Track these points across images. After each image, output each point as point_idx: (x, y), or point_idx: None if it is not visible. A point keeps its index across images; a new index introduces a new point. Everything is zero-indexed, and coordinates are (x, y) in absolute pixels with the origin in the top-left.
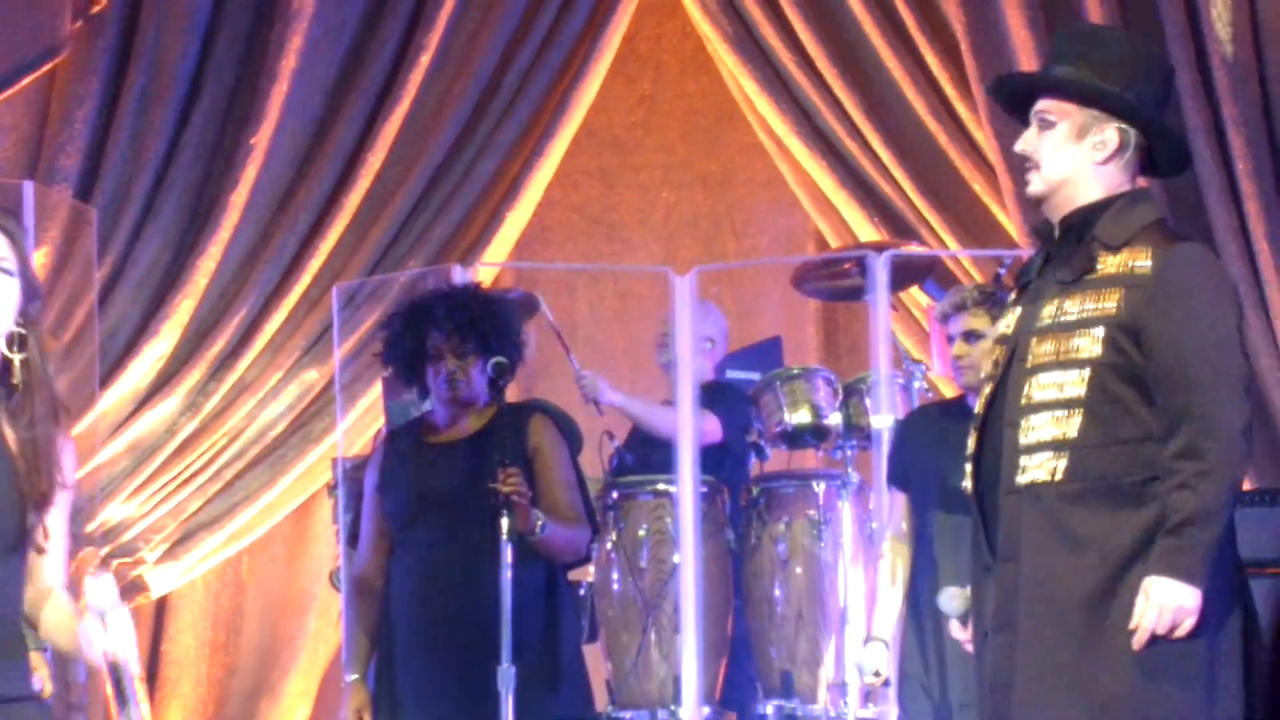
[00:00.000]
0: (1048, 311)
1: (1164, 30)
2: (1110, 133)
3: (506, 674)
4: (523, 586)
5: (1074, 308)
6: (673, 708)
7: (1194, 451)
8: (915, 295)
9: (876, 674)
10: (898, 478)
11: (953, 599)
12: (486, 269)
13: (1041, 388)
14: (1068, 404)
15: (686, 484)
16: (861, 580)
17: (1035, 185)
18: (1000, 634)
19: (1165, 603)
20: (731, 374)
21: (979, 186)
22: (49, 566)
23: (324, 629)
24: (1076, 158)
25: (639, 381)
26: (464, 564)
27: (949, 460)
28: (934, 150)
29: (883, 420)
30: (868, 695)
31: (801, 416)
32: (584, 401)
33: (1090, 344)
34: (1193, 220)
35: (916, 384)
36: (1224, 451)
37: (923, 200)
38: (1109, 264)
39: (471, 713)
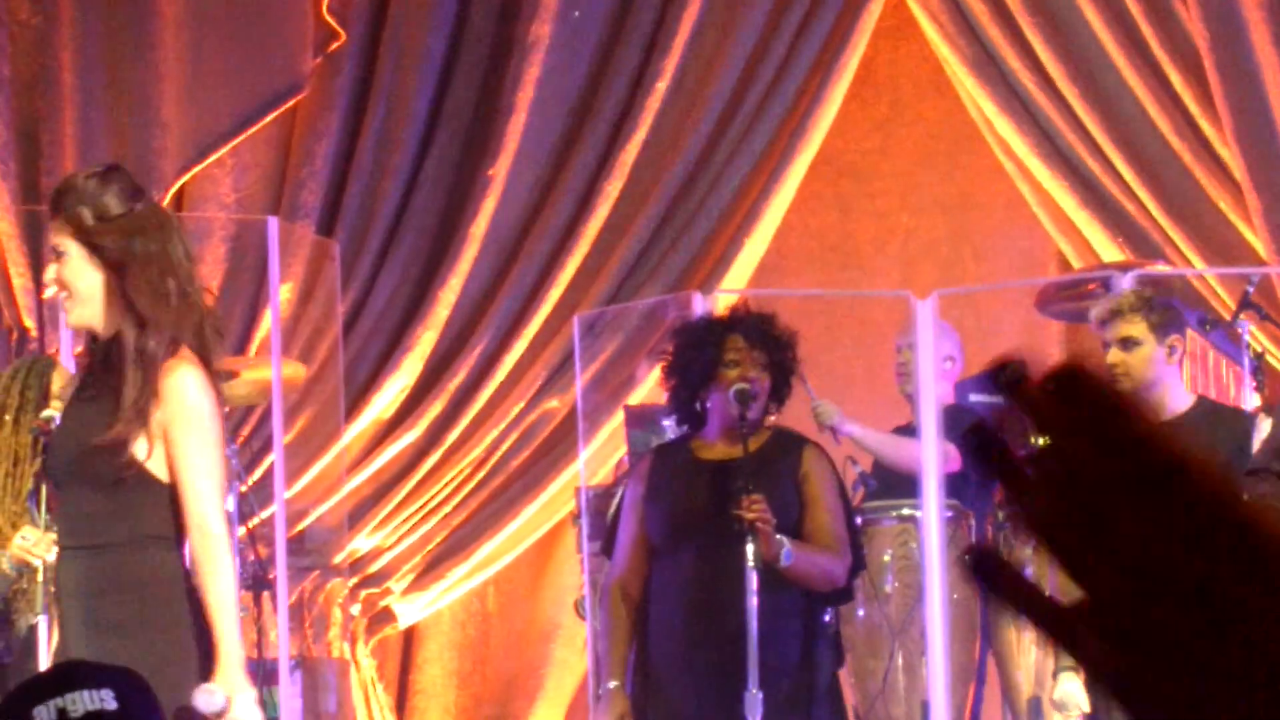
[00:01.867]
0: None
1: None
2: None
3: (754, 700)
4: (777, 613)
5: None
6: None
7: None
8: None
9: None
10: None
11: None
12: (725, 296)
13: None
14: None
15: (932, 509)
16: None
17: None
18: None
19: None
20: (974, 399)
21: (1224, 204)
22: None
23: (569, 658)
24: None
25: (878, 408)
26: (722, 586)
27: None
28: (1178, 168)
29: None
30: None
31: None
32: (819, 430)
33: None
34: None
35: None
36: None
37: (1167, 219)
38: None
39: None
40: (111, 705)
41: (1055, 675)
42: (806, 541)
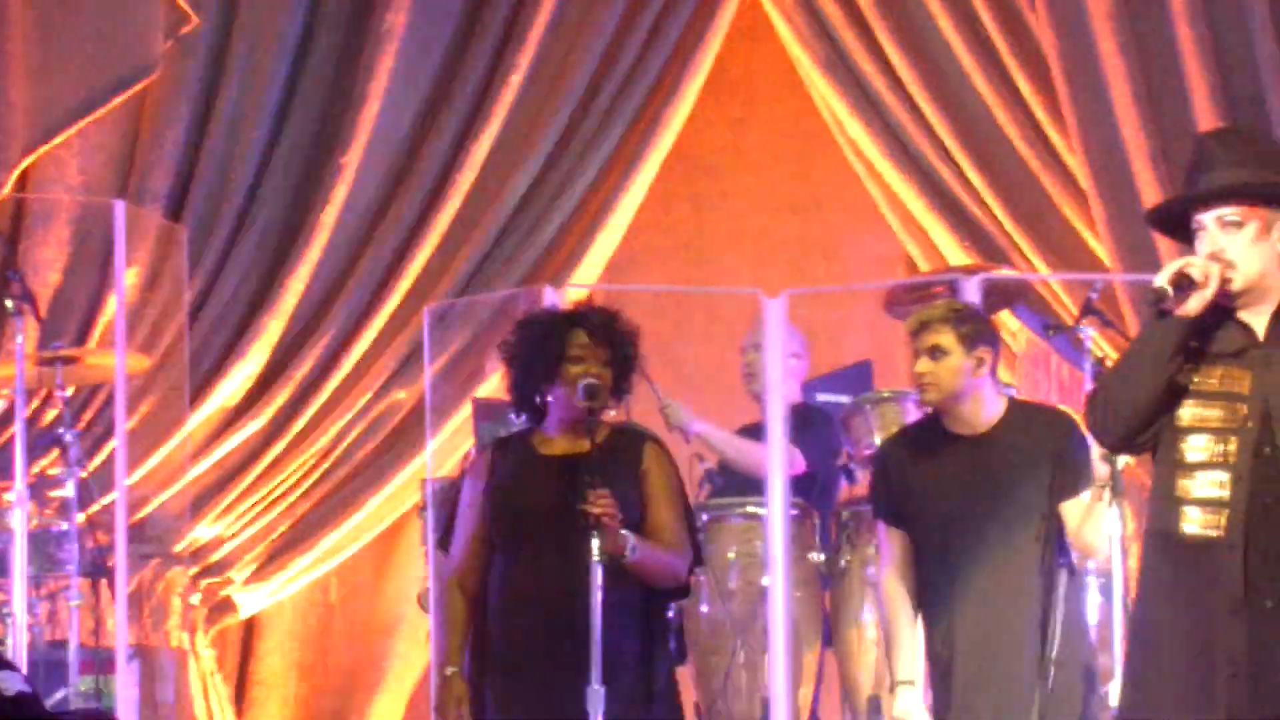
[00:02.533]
0: None
1: (1255, 59)
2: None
3: (596, 695)
4: (619, 608)
5: None
6: None
7: None
8: (1005, 319)
9: None
10: (891, 512)
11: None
12: (576, 290)
13: None
14: None
15: (776, 507)
16: None
17: (1238, 283)
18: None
19: None
20: (822, 397)
21: (1070, 211)
22: None
23: (412, 651)
24: (1268, 253)
25: (728, 404)
26: (566, 581)
27: (947, 485)
28: (1025, 174)
29: None
30: None
31: None
32: (668, 429)
33: None
34: None
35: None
36: None
37: (1013, 224)
38: None
39: None
40: (28, 688)
41: (893, 690)
42: (648, 537)
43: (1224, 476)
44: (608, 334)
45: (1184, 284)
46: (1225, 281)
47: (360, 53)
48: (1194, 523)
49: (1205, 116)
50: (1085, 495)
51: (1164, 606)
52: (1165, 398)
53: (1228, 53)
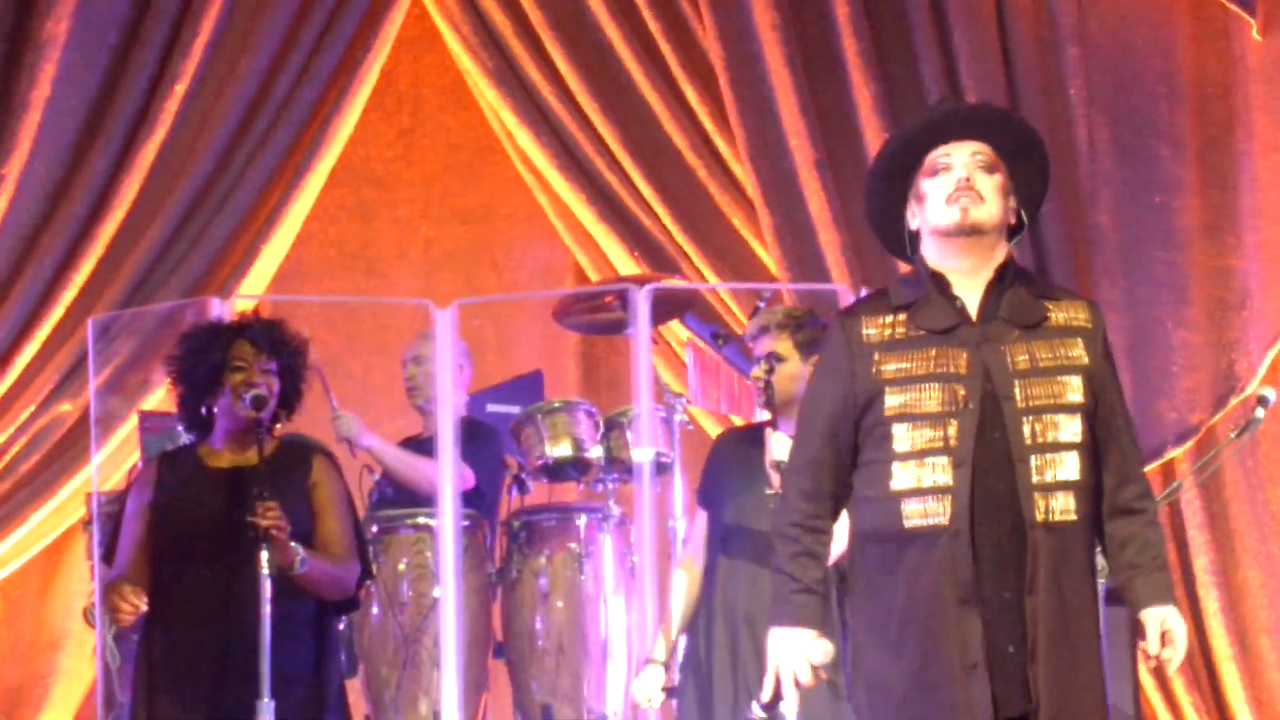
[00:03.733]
0: (1021, 357)
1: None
2: (1011, 203)
3: (266, 707)
4: (290, 620)
5: (1045, 354)
6: None
7: (1150, 494)
8: (675, 329)
9: (649, 700)
10: (709, 498)
11: (825, 652)
12: (244, 301)
13: (1044, 429)
14: (1070, 447)
15: (447, 518)
16: (623, 613)
17: (979, 215)
18: (1011, 663)
19: (1184, 629)
20: (492, 408)
21: (738, 220)
22: None
23: (78, 666)
24: (1001, 215)
25: (398, 418)
26: (235, 594)
27: (750, 484)
28: (693, 184)
29: (644, 454)
30: None
31: (563, 450)
32: (337, 440)
33: (1074, 391)
34: None
35: (677, 417)
36: None
37: (682, 234)
38: (1055, 316)
39: None
40: None
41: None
42: (318, 550)
43: (944, 461)
44: (271, 344)
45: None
46: (965, 212)
47: (21, 61)
48: (915, 515)
49: (870, 127)
50: None
51: (888, 602)
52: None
53: (891, 63)
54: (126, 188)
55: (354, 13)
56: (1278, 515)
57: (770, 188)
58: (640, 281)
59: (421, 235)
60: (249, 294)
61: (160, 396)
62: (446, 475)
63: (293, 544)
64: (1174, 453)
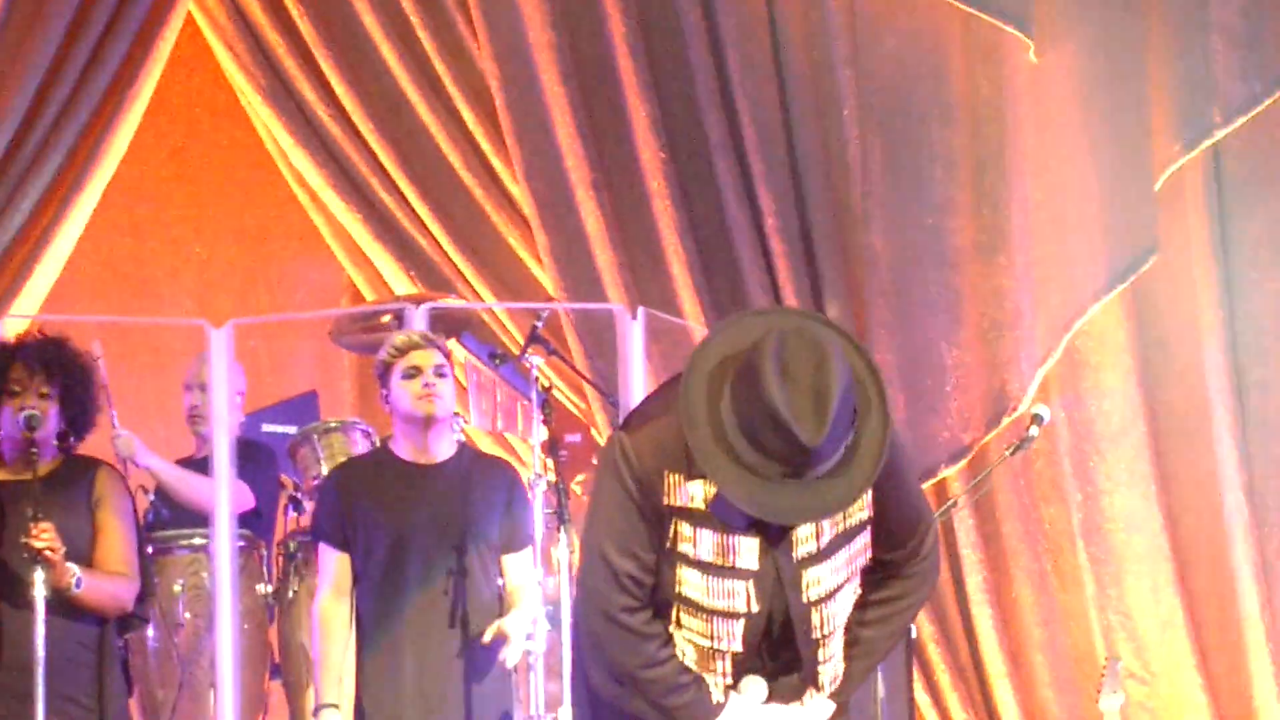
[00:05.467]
0: (804, 538)
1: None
2: None
3: None
4: (69, 640)
5: (829, 525)
6: None
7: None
8: (453, 348)
9: None
10: (336, 537)
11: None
12: (16, 321)
13: (827, 617)
14: (849, 609)
15: (224, 539)
16: None
17: None
18: None
19: None
20: (268, 428)
21: (514, 240)
22: None
23: None
24: None
25: (173, 435)
26: (8, 613)
27: (399, 513)
28: (470, 204)
29: None
30: None
31: None
32: (117, 459)
33: (862, 548)
34: (727, 276)
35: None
36: None
37: (458, 253)
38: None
39: None
40: None
41: (317, 714)
42: (98, 566)
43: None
44: (46, 364)
45: None
46: None
47: None
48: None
49: (647, 146)
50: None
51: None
52: None
53: (666, 83)
54: None
55: (127, 31)
56: (1050, 534)
57: (546, 207)
58: (417, 301)
59: (195, 254)
60: (21, 314)
61: None
62: (223, 495)
63: (69, 564)
64: (947, 472)
